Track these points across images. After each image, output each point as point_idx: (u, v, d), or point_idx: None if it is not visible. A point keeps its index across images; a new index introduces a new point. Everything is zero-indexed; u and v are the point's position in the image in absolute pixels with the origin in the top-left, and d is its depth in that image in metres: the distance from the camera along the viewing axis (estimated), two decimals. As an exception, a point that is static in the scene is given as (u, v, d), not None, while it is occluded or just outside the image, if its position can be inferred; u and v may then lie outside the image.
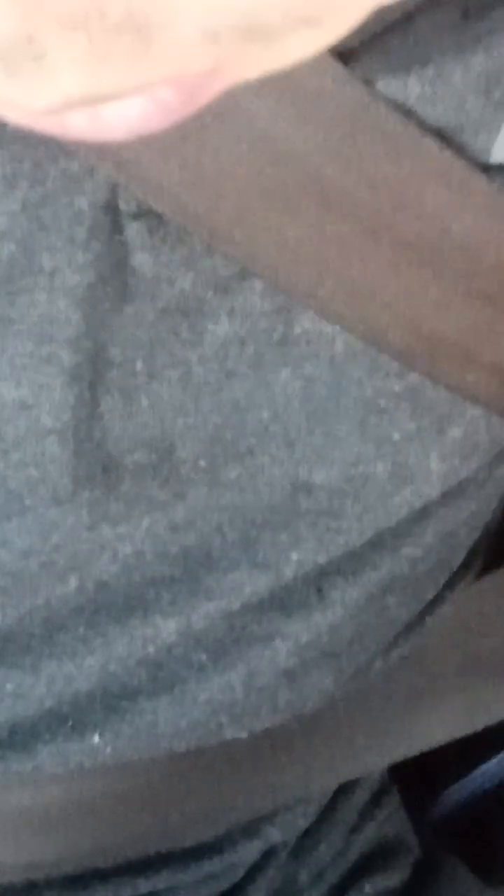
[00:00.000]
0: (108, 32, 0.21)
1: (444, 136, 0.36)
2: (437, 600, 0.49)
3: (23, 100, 0.22)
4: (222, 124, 0.34)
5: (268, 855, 0.55)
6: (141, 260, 0.37)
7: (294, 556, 0.44)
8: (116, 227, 0.36)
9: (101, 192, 0.36)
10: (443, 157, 0.36)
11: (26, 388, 0.38)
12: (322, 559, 0.44)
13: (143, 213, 0.36)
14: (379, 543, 0.45)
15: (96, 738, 0.45)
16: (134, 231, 0.37)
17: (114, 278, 0.37)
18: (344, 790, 0.57)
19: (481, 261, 0.38)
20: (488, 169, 0.37)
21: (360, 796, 0.58)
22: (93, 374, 0.38)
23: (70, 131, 0.24)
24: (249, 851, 0.54)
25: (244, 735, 0.47)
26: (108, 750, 0.46)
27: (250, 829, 0.53)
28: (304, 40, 0.22)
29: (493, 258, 0.38)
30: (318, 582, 0.45)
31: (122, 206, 0.36)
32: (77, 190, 0.36)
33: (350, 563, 0.45)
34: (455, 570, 0.50)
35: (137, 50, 0.21)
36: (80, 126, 0.24)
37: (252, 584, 0.44)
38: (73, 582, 0.42)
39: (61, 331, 0.37)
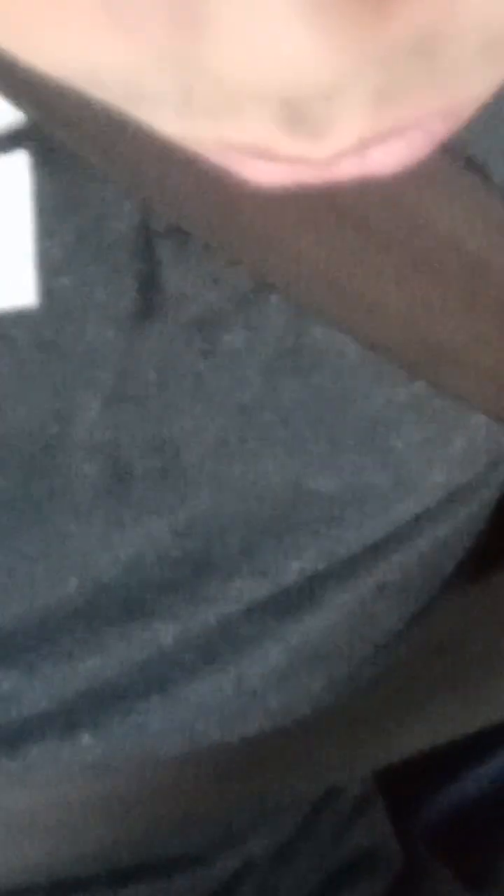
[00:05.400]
0: (399, 55, 0.19)
1: (472, 161, 0.37)
2: (428, 608, 0.50)
3: (308, 151, 0.20)
4: None
5: (246, 868, 0.55)
6: (168, 276, 0.38)
7: (295, 564, 0.44)
8: (148, 246, 0.37)
9: (135, 213, 0.37)
10: (459, 178, 0.37)
11: (64, 403, 0.38)
12: (321, 567, 0.44)
13: (172, 232, 0.37)
14: (372, 549, 0.45)
15: (86, 738, 0.45)
16: (163, 249, 0.37)
17: (142, 294, 0.38)
18: (325, 801, 0.57)
19: (489, 277, 0.39)
20: None
21: (343, 806, 0.58)
22: (115, 387, 0.39)
23: (335, 175, 0.22)
24: (230, 862, 0.54)
25: (234, 740, 0.47)
26: (98, 750, 0.46)
27: (233, 839, 0.53)
28: None
29: (500, 275, 0.39)
30: (310, 584, 0.45)
31: (154, 225, 0.37)
32: (116, 213, 0.36)
33: (343, 568, 0.45)
34: (447, 578, 0.50)
35: (425, 75, 0.19)
36: (346, 169, 0.22)
37: (251, 591, 0.44)
38: (73, 583, 0.42)
39: (105, 356, 0.38)
